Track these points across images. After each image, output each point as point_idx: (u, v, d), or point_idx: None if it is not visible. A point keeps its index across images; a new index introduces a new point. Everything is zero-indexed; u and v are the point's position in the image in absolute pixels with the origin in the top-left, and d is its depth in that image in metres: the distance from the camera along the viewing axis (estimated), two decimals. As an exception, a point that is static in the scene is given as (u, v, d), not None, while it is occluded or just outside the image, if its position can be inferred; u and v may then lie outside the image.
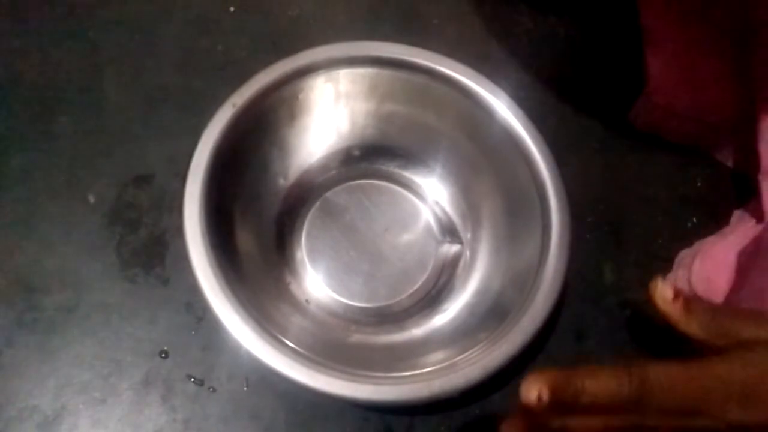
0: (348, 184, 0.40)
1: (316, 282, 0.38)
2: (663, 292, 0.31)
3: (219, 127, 0.34)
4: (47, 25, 0.44)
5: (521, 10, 0.49)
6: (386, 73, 0.37)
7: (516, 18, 0.48)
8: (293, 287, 0.37)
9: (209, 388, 0.35)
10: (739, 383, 0.27)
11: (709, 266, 0.37)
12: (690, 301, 0.31)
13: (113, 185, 0.40)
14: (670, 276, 0.39)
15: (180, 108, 0.42)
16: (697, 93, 0.41)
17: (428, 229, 0.40)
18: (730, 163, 0.43)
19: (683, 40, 0.43)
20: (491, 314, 0.34)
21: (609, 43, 0.47)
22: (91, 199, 0.39)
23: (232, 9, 0.46)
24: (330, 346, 0.34)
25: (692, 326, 0.30)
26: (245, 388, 0.36)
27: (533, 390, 0.26)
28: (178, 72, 0.44)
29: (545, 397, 0.26)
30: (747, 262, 0.36)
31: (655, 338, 0.36)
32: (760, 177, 0.37)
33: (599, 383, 0.27)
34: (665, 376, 0.27)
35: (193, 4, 0.46)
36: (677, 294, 0.31)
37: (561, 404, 0.27)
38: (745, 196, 0.41)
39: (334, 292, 0.37)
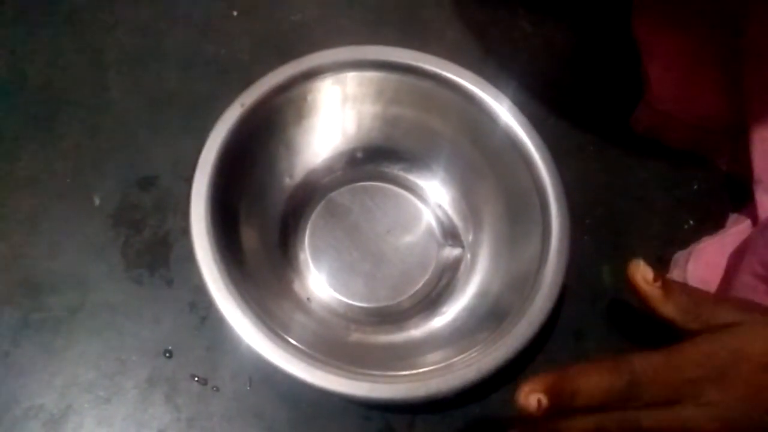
0: (352, 185, 0.41)
1: (318, 281, 0.38)
2: (644, 272, 0.31)
3: (227, 126, 0.34)
4: (52, 29, 0.45)
5: (520, 15, 0.49)
6: (393, 77, 0.38)
7: (515, 23, 0.49)
8: (296, 285, 0.38)
9: (213, 388, 0.36)
10: (712, 365, 0.29)
11: (703, 267, 0.38)
12: (669, 282, 0.31)
13: (118, 187, 0.40)
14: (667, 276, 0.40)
15: (183, 111, 0.43)
16: (696, 100, 0.42)
17: (430, 231, 0.40)
18: (726, 168, 0.44)
19: (677, 51, 0.44)
20: (490, 317, 0.35)
21: (607, 47, 0.48)
22: (97, 200, 0.40)
23: (235, 13, 0.47)
24: (330, 344, 0.34)
25: (669, 308, 0.31)
26: (248, 388, 0.36)
27: (532, 397, 0.27)
28: (181, 75, 0.44)
29: (545, 402, 0.27)
30: (736, 262, 0.37)
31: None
32: (754, 185, 0.38)
33: (592, 382, 0.28)
34: (650, 367, 0.28)
35: (197, 9, 0.47)
36: (657, 275, 0.31)
37: (559, 407, 0.27)
38: (740, 199, 0.42)
39: (335, 291, 0.38)
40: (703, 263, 0.38)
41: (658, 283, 0.31)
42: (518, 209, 0.37)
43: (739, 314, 0.30)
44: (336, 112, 0.39)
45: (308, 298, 0.37)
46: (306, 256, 0.39)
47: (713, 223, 0.42)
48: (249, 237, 0.35)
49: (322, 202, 0.40)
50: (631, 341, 0.39)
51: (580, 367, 0.28)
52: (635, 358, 0.29)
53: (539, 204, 0.35)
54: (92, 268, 0.38)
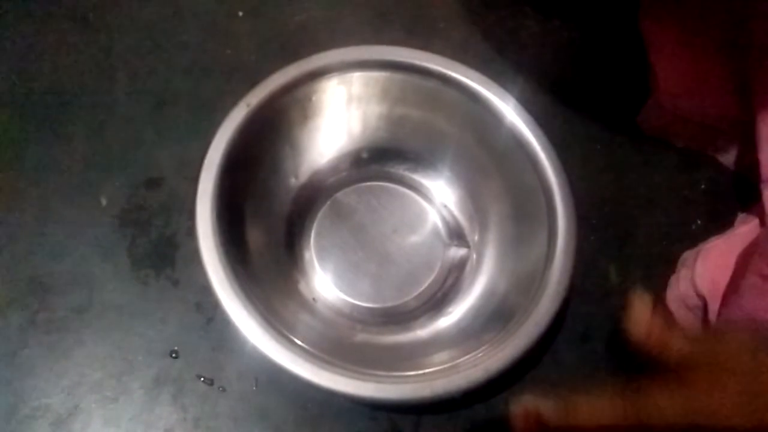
0: (358, 185, 0.41)
1: (324, 281, 0.38)
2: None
3: (233, 126, 0.34)
4: (59, 30, 0.45)
5: (526, 14, 0.49)
6: (399, 77, 0.38)
7: (521, 21, 0.49)
8: (301, 286, 0.38)
9: (219, 388, 0.36)
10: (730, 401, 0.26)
11: (711, 266, 0.38)
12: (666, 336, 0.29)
13: (124, 188, 0.40)
14: (674, 276, 0.40)
15: (189, 112, 0.43)
16: (703, 98, 0.42)
17: (436, 231, 0.40)
18: (734, 167, 0.44)
19: (685, 49, 0.43)
20: (496, 317, 0.35)
21: (613, 46, 0.48)
22: (103, 201, 0.40)
23: (240, 14, 0.47)
24: (336, 345, 0.34)
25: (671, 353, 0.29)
26: (254, 388, 0.36)
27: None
28: (187, 76, 0.44)
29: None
30: (744, 263, 0.36)
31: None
32: (761, 185, 0.38)
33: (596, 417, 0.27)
34: (655, 408, 0.27)
35: (203, 9, 0.47)
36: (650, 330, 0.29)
37: None
38: (748, 198, 0.41)
39: (341, 291, 0.38)
40: (712, 263, 0.38)
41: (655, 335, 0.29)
42: (524, 209, 0.36)
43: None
44: (341, 112, 0.39)
45: (314, 299, 0.37)
46: (311, 256, 0.39)
47: (721, 223, 0.42)
48: (254, 237, 0.35)
49: (328, 203, 0.40)
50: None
51: (583, 401, 0.27)
52: (642, 394, 0.27)
53: (545, 203, 0.35)
54: (99, 268, 0.38)
